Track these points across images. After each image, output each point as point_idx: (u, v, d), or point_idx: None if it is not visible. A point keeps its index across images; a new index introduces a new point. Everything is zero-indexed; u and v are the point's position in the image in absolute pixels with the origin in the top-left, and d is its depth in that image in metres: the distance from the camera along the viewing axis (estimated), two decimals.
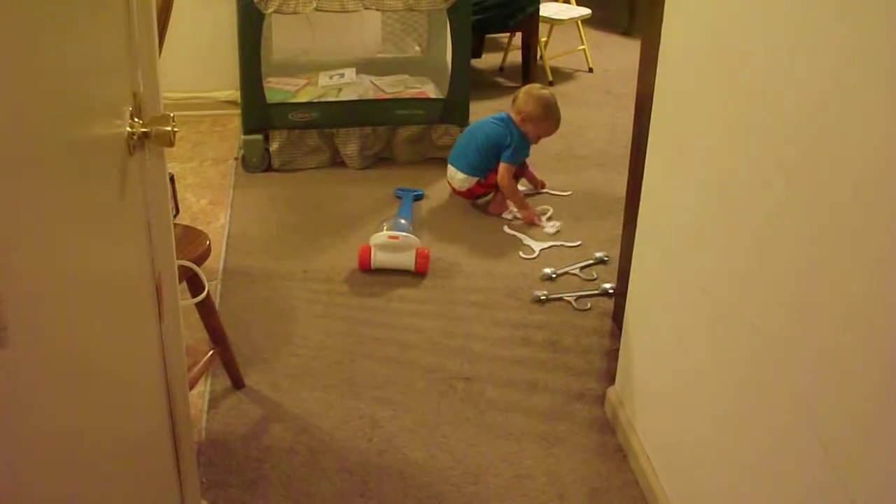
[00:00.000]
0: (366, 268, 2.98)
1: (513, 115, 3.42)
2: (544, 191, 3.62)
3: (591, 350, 2.63)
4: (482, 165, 3.36)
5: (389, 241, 2.97)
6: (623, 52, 5.43)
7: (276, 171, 3.72)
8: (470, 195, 3.44)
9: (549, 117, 3.44)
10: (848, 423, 1.28)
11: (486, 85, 4.88)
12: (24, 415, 0.87)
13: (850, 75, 1.24)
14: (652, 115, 2.04)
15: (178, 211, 3.28)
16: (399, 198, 3.49)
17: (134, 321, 1.35)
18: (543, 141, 3.60)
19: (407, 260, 2.97)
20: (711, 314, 1.73)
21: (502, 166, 3.35)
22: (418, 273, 2.97)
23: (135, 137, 1.24)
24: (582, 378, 2.50)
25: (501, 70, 5.16)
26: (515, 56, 5.06)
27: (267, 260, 3.06)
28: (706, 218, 1.74)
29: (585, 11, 5.10)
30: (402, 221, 3.14)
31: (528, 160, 3.49)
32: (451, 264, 3.07)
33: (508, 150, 3.36)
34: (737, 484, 1.65)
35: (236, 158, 3.80)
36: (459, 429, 2.30)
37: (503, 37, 5.28)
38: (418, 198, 3.52)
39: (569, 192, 3.63)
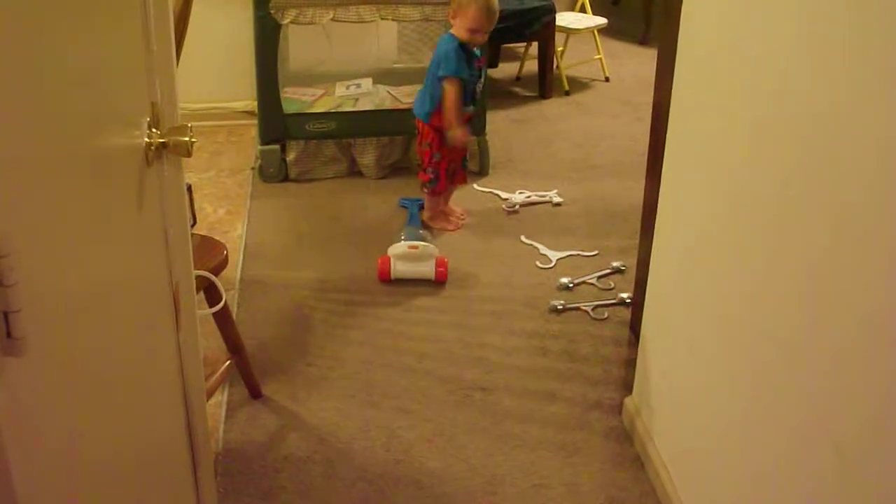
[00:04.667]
0: (385, 279, 2.98)
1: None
2: (540, 194, 3.59)
3: (609, 359, 2.62)
4: (422, 102, 3.21)
5: (409, 252, 2.97)
6: (639, 62, 5.42)
7: (293, 181, 3.73)
8: (420, 140, 3.28)
9: (471, 2, 2.98)
10: (863, 430, 1.27)
11: (503, 95, 4.88)
12: (41, 423, 0.87)
13: (869, 85, 1.23)
14: (669, 125, 2.03)
15: (195, 221, 3.29)
16: (405, 207, 3.48)
17: (151, 331, 1.35)
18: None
19: (427, 269, 2.96)
20: (727, 323, 1.72)
21: (445, 84, 3.04)
22: (438, 281, 2.97)
23: (152, 148, 1.24)
24: (599, 387, 2.49)
25: (518, 80, 5.16)
26: (532, 66, 5.06)
27: (284, 270, 3.07)
28: (723, 226, 1.74)
29: (601, 21, 5.10)
30: (420, 231, 3.13)
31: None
32: (467, 274, 3.06)
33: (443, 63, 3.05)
34: (753, 494, 1.64)
35: (253, 168, 3.82)
36: (476, 438, 2.29)
37: (519, 47, 5.28)
38: (423, 207, 3.50)
39: (560, 198, 3.61)
